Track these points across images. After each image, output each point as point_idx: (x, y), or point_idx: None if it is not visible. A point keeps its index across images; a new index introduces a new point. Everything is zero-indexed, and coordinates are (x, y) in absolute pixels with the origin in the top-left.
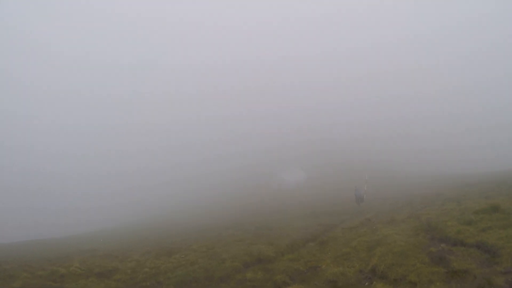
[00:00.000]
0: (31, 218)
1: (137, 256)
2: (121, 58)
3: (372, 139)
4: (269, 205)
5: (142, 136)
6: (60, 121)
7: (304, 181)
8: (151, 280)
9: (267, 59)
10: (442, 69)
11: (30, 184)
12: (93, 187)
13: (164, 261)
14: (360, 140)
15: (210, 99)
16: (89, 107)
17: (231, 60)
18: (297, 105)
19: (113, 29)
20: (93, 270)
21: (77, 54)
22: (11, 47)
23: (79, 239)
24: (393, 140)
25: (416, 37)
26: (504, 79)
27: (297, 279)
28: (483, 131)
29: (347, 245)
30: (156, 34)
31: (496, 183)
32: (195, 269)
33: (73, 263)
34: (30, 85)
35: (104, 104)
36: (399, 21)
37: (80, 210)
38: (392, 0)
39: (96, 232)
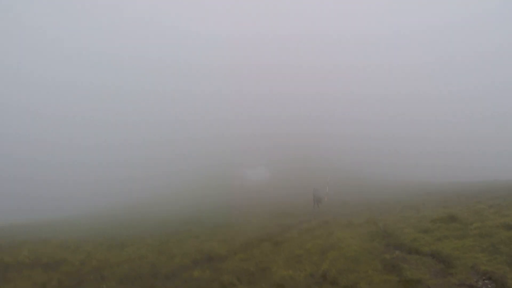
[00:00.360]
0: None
1: (89, 247)
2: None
3: (341, 137)
4: (230, 203)
5: (128, 129)
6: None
7: (267, 179)
8: (95, 274)
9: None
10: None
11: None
12: (72, 176)
13: (114, 254)
14: (327, 137)
15: (184, 99)
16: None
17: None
18: (262, 113)
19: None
20: (41, 260)
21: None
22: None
23: (39, 226)
24: (363, 141)
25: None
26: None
27: (244, 281)
28: (462, 138)
29: (301, 247)
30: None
31: (456, 193)
32: (142, 264)
33: (22, 251)
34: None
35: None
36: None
37: (52, 198)
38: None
39: (58, 220)
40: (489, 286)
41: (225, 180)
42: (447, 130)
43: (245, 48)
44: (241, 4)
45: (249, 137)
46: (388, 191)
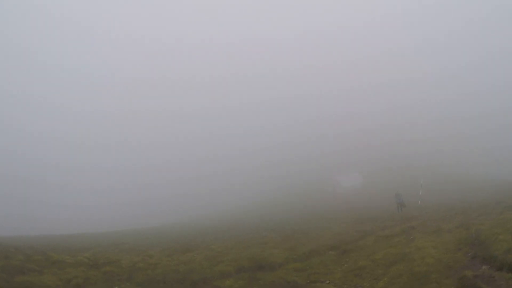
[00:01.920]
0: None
1: (153, 251)
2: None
3: (434, 140)
4: (316, 209)
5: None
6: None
7: (360, 185)
8: (128, 274)
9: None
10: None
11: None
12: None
13: (170, 258)
14: (421, 142)
15: (270, 105)
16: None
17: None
18: (355, 110)
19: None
20: (98, 261)
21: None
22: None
23: (126, 233)
24: (456, 141)
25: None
26: None
27: None
28: None
29: (368, 257)
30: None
31: None
32: (180, 269)
33: (84, 253)
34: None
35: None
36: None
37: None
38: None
39: (143, 229)
40: None
41: (317, 187)
42: None
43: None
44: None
45: (341, 137)
46: (488, 192)
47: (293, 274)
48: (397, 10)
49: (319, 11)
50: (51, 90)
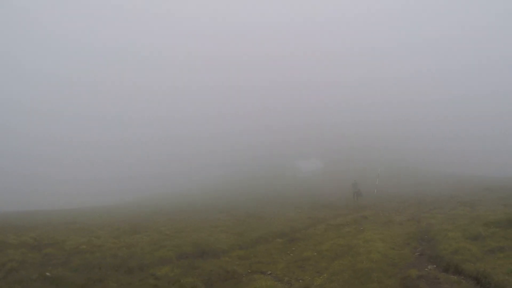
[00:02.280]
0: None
1: (103, 231)
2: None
3: (394, 137)
4: (277, 194)
5: (177, 124)
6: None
7: (320, 171)
8: (66, 258)
9: (288, 55)
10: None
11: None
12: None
13: (117, 240)
14: (382, 138)
15: (232, 93)
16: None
17: (248, 55)
18: (317, 101)
19: (118, 19)
20: (42, 242)
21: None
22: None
23: (75, 212)
24: (416, 140)
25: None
26: None
27: (210, 286)
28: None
29: (315, 248)
30: (165, 26)
31: None
32: (120, 254)
33: (29, 233)
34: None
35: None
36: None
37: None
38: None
39: (105, 207)
40: None
41: (277, 172)
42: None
43: (272, 35)
44: None
45: (302, 127)
46: (444, 185)
47: (235, 263)
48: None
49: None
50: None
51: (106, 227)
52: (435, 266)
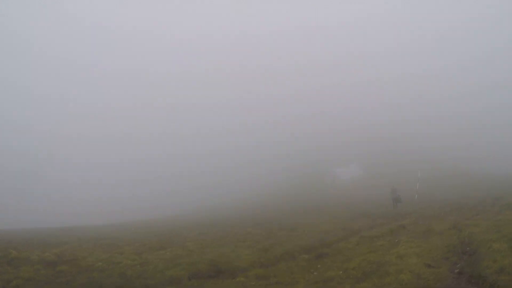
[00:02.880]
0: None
1: (130, 248)
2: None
3: (434, 136)
4: (314, 203)
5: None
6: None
7: (359, 178)
8: (74, 276)
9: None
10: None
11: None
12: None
13: (136, 257)
14: (422, 137)
15: (270, 101)
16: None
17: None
18: (355, 104)
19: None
20: (62, 258)
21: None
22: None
23: (118, 227)
24: (457, 136)
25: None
26: None
27: None
28: None
29: (342, 265)
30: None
31: None
32: (125, 273)
33: (54, 249)
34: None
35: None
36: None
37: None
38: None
39: (141, 222)
40: None
41: (315, 180)
42: None
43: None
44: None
45: (340, 132)
46: (487, 187)
47: (250, 283)
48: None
49: (315, 5)
50: (48, 83)
51: (135, 243)
52: None
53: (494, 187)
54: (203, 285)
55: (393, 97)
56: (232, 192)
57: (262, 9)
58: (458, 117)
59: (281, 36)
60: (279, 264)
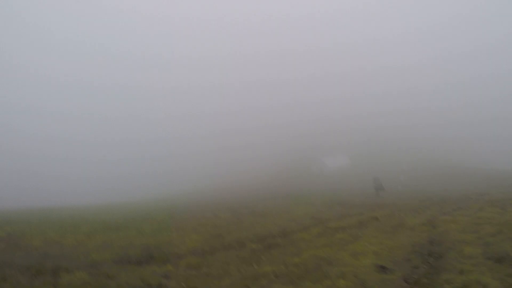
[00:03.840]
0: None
1: (86, 228)
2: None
3: (422, 127)
4: (295, 191)
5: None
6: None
7: (346, 167)
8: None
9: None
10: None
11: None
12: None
13: (84, 238)
14: (411, 128)
15: (262, 86)
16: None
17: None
18: (342, 93)
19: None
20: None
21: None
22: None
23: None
24: (447, 129)
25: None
26: None
27: None
28: None
29: (287, 260)
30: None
31: None
32: (46, 252)
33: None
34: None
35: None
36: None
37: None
38: None
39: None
40: None
41: (302, 168)
42: None
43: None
44: None
45: (327, 120)
46: (473, 181)
47: (177, 272)
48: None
49: None
50: (51, 61)
51: (95, 223)
52: None
53: (481, 182)
54: (111, 271)
55: (381, 87)
56: (215, 177)
57: None
58: (448, 110)
59: (269, 23)
60: (220, 253)
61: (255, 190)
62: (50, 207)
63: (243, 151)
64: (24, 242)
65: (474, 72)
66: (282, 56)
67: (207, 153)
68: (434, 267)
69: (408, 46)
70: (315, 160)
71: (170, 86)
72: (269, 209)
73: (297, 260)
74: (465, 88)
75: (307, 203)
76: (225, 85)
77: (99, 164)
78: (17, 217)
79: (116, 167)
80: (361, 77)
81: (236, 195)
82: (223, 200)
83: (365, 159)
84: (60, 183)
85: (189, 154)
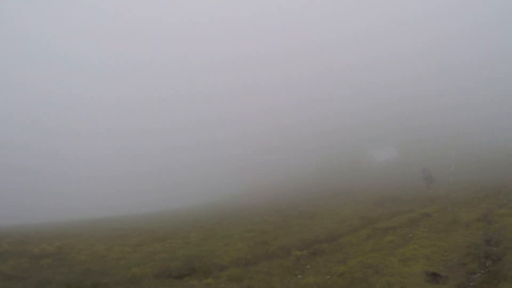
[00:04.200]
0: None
1: (139, 239)
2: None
3: (471, 108)
4: (345, 187)
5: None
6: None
7: (394, 160)
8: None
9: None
10: None
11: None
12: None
13: (129, 250)
14: (458, 110)
15: (304, 82)
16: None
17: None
18: (386, 80)
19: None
20: (61, 250)
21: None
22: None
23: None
24: (500, 108)
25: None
26: None
27: None
28: None
29: (333, 268)
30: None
31: None
32: (90, 268)
33: (61, 241)
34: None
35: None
36: None
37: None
38: None
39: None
40: None
41: (350, 163)
42: None
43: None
44: None
45: (377, 115)
46: None
47: (218, 287)
48: None
49: None
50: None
51: (143, 234)
52: None
53: None
54: (159, 285)
55: (422, 71)
56: (263, 177)
57: None
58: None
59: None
60: (262, 263)
61: (303, 189)
62: (102, 218)
63: (288, 150)
64: (70, 257)
65: None
66: (317, 51)
67: (251, 155)
68: (492, 273)
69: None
70: (363, 154)
71: (206, 91)
72: (318, 209)
73: (343, 268)
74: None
75: (356, 201)
76: (263, 85)
77: (150, 174)
78: (69, 229)
79: (166, 175)
80: (396, 63)
81: (284, 195)
82: (271, 202)
83: (412, 149)
84: (112, 195)
85: (235, 156)
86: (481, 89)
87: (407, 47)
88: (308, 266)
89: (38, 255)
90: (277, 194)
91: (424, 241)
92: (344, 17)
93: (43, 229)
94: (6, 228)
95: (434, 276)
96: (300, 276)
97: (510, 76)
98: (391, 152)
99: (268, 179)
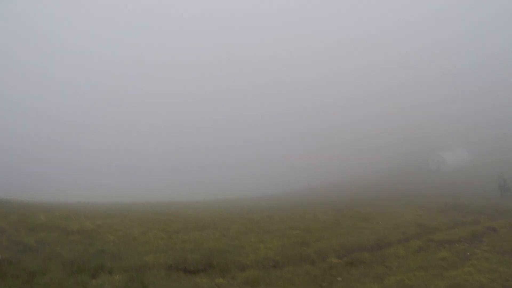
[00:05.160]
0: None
1: (176, 225)
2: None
3: None
4: (410, 190)
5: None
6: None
7: (467, 163)
8: (61, 246)
9: None
10: None
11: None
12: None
13: (164, 235)
14: None
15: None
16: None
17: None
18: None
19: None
20: (98, 229)
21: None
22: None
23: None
24: None
25: None
26: None
27: None
28: None
29: (366, 284)
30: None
31: None
32: (107, 249)
33: (108, 220)
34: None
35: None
36: None
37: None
38: None
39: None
40: None
41: (420, 166)
42: None
43: None
44: None
45: (447, 117)
46: None
47: None
48: None
49: None
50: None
51: (189, 222)
52: None
53: None
54: (164, 279)
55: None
56: (328, 175)
57: None
58: None
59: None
60: (288, 267)
61: (366, 188)
62: (161, 202)
63: (356, 146)
64: (101, 236)
65: None
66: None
67: (319, 151)
68: None
69: None
70: (433, 156)
71: (275, 86)
72: (375, 211)
73: (379, 286)
74: None
75: (418, 206)
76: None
77: (216, 167)
78: (120, 210)
79: (231, 169)
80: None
81: (346, 193)
82: (331, 199)
83: (488, 149)
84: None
85: (304, 152)
86: None
87: None
88: (339, 279)
89: (71, 231)
90: (340, 192)
91: (483, 263)
92: None
93: (97, 208)
94: (60, 203)
95: None
96: None
97: None
98: (463, 155)
99: (336, 177)
